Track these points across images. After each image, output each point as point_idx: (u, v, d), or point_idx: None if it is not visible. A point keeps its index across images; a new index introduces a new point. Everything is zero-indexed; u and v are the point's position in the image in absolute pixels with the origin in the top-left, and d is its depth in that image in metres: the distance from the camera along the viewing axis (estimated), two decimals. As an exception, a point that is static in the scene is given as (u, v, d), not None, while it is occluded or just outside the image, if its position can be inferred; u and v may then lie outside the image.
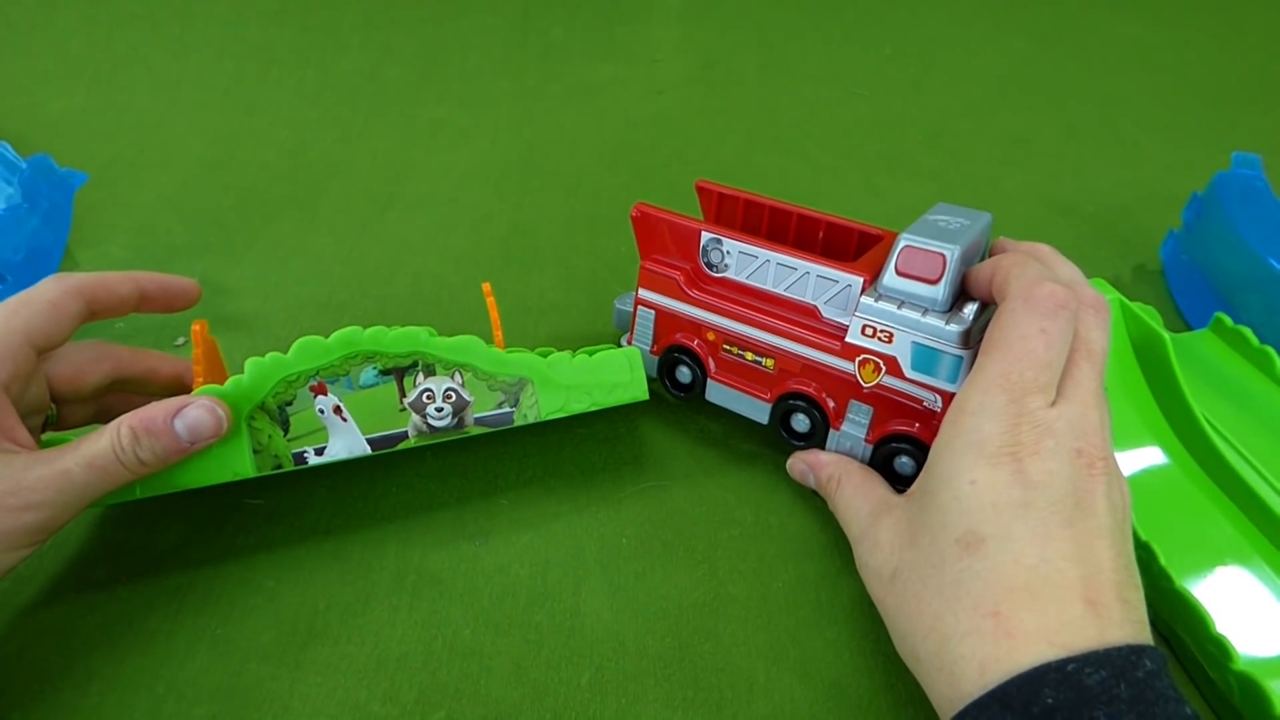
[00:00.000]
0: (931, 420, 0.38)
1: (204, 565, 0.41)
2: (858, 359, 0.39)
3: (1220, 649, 0.33)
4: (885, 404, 0.39)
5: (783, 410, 0.43)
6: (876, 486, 0.38)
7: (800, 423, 0.43)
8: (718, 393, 0.45)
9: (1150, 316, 0.46)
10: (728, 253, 0.42)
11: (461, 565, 0.40)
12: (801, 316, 0.41)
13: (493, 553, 0.41)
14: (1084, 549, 0.29)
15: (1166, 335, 0.44)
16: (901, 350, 0.38)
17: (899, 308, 0.37)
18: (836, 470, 0.40)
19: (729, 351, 0.43)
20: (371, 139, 0.73)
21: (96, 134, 0.74)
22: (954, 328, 0.36)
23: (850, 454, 0.42)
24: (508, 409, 0.40)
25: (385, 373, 0.39)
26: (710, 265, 0.43)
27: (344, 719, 0.35)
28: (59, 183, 0.57)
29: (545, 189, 0.67)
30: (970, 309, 0.37)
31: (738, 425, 0.47)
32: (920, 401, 0.38)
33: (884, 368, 0.38)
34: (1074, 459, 0.30)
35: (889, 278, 0.37)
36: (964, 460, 0.31)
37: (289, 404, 0.39)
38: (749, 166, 0.69)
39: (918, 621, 0.30)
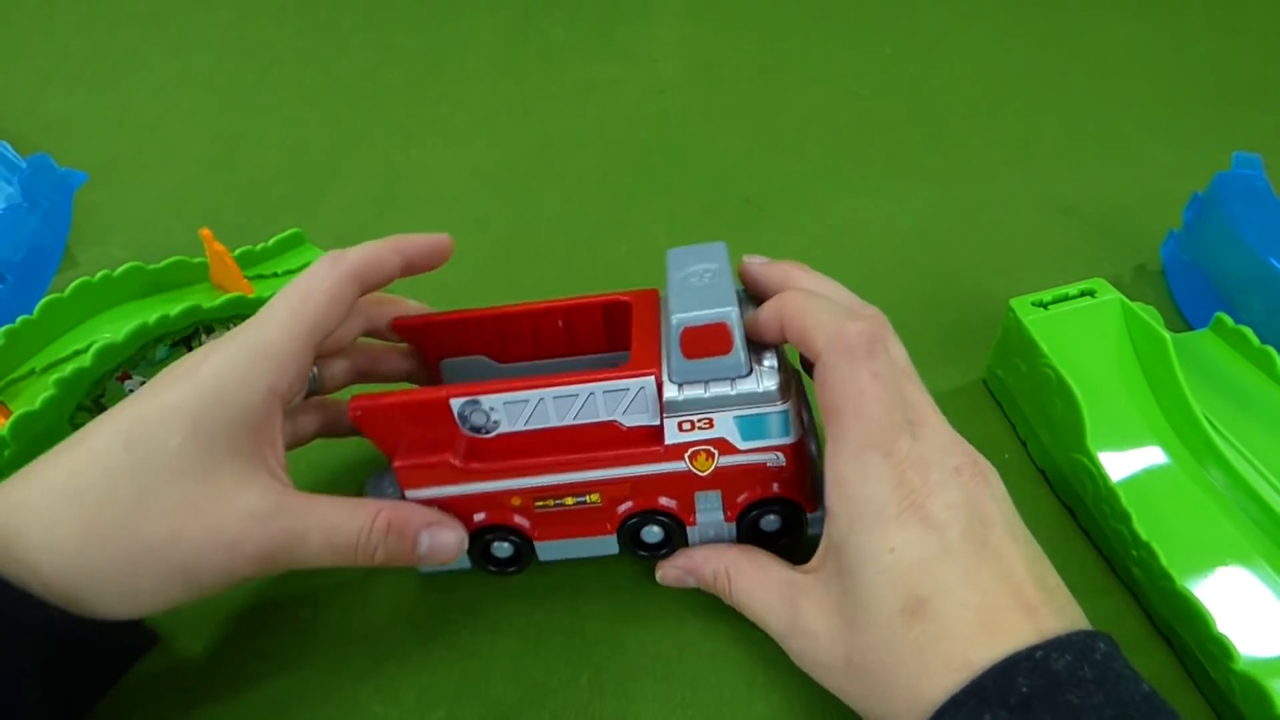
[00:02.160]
0: (780, 474, 0.36)
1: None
2: (686, 455, 0.36)
3: (1221, 649, 0.33)
4: (730, 481, 0.37)
5: (629, 533, 0.38)
6: (772, 568, 0.36)
7: (652, 534, 0.38)
8: (552, 550, 0.39)
9: (1151, 316, 0.46)
10: (491, 409, 0.35)
11: (461, 565, 0.40)
12: (606, 437, 0.36)
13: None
14: (1002, 562, 0.30)
15: (1167, 335, 0.44)
16: (727, 428, 0.35)
17: (706, 390, 0.34)
18: (719, 564, 0.37)
19: (545, 506, 0.37)
20: (371, 139, 0.73)
21: (96, 134, 0.74)
22: (769, 385, 0.34)
23: (718, 539, 0.38)
24: None
25: (174, 345, 0.43)
26: (477, 429, 0.36)
27: None
28: (59, 182, 0.57)
29: (545, 189, 0.67)
30: (770, 359, 0.35)
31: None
32: (764, 465, 0.36)
33: (716, 452, 0.36)
34: (958, 478, 0.31)
35: (680, 365, 0.34)
36: (874, 533, 0.30)
37: (101, 396, 0.42)
38: (749, 166, 0.69)
39: (897, 700, 0.30)
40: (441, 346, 0.41)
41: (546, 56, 0.85)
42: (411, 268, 0.39)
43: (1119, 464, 0.41)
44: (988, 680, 0.27)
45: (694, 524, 0.38)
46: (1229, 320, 0.45)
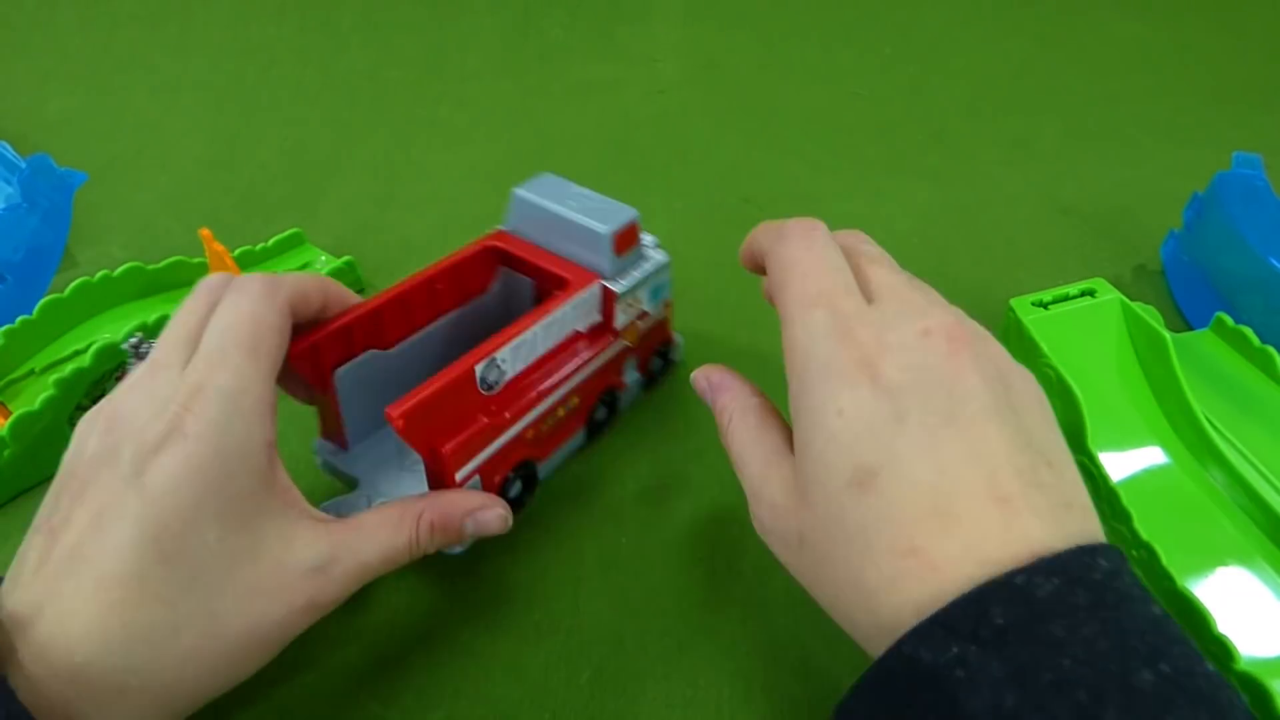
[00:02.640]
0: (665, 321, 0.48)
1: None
2: (624, 332, 0.44)
3: (1222, 649, 0.33)
4: (644, 341, 0.46)
5: (592, 420, 0.45)
6: (770, 432, 0.33)
7: (601, 413, 0.46)
8: (547, 468, 0.43)
9: (1151, 316, 0.46)
10: (502, 361, 0.38)
11: (460, 566, 0.40)
12: (575, 345, 0.42)
13: (492, 553, 0.41)
14: (974, 443, 0.27)
15: (1168, 335, 0.44)
16: (645, 299, 0.45)
17: (634, 274, 0.44)
18: (732, 403, 0.35)
19: (546, 426, 0.42)
20: (371, 139, 0.73)
21: (96, 134, 0.74)
22: (662, 255, 0.46)
23: (638, 395, 0.48)
24: None
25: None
26: (491, 386, 0.38)
27: None
28: (58, 182, 0.57)
29: (545, 189, 0.67)
30: (649, 239, 0.46)
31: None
32: (663, 319, 0.48)
33: (639, 322, 0.45)
34: (924, 340, 0.28)
35: (614, 263, 0.43)
36: (820, 391, 0.28)
37: (101, 396, 0.41)
38: (749, 166, 0.69)
39: (841, 586, 0.27)
40: (332, 357, 0.40)
41: (546, 56, 0.85)
42: (324, 313, 0.38)
43: (1119, 464, 0.41)
44: (957, 609, 0.24)
45: (623, 387, 0.46)
46: (1229, 320, 0.45)
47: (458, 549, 0.37)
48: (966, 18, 0.89)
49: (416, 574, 0.40)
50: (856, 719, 0.26)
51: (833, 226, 0.62)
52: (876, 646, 0.26)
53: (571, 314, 0.41)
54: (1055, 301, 0.46)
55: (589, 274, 0.42)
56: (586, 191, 0.45)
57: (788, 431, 0.32)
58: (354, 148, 0.72)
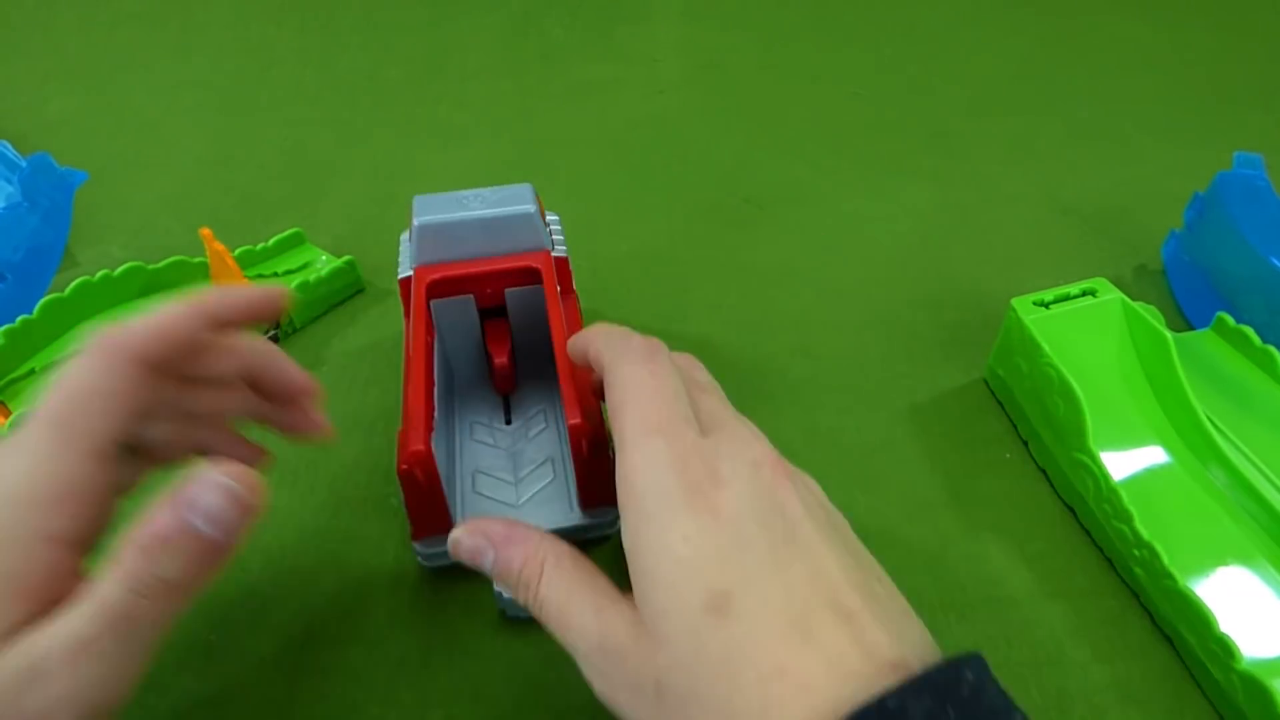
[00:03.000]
0: None
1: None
2: None
3: (1224, 648, 0.33)
4: None
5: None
6: (594, 576, 0.30)
7: None
8: None
9: (1153, 316, 0.46)
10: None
11: (460, 566, 0.40)
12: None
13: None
14: (813, 562, 0.27)
15: (1169, 335, 0.44)
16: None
17: (558, 234, 0.48)
18: (537, 553, 0.31)
19: None
20: (371, 139, 0.73)
21: (96, 133, 0.74)
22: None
23: None
24: None
25: None
26: None
27: None
28: (59, 182, 0.57)
29: (545, 189, 0.66)
30: None
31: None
32: None
33: None
34: (755, 471, 0.29)
35: (545, 234, 0.45)
36: (662, 520, 0.28)
37: None
38: (749, 166, 0.69)
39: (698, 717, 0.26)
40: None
41: (546, 56, 0.85)
42: (227, 325, 0.32)
43: (1120, 464, 0.41)
44: None
45: None
46: (1230, 320, 0.45)
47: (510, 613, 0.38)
48: (966, 18, 0.89)
49: (415, 574, 0.40)
50: None
51: (833, 226, 0.62)
52: None
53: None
54: (1056, 301, 0.46)
55: (540, 254, 0.44)
56: (475, 191, 0.44)
57: (605, 576, 0.31)
58: (354, 148, 0.72)
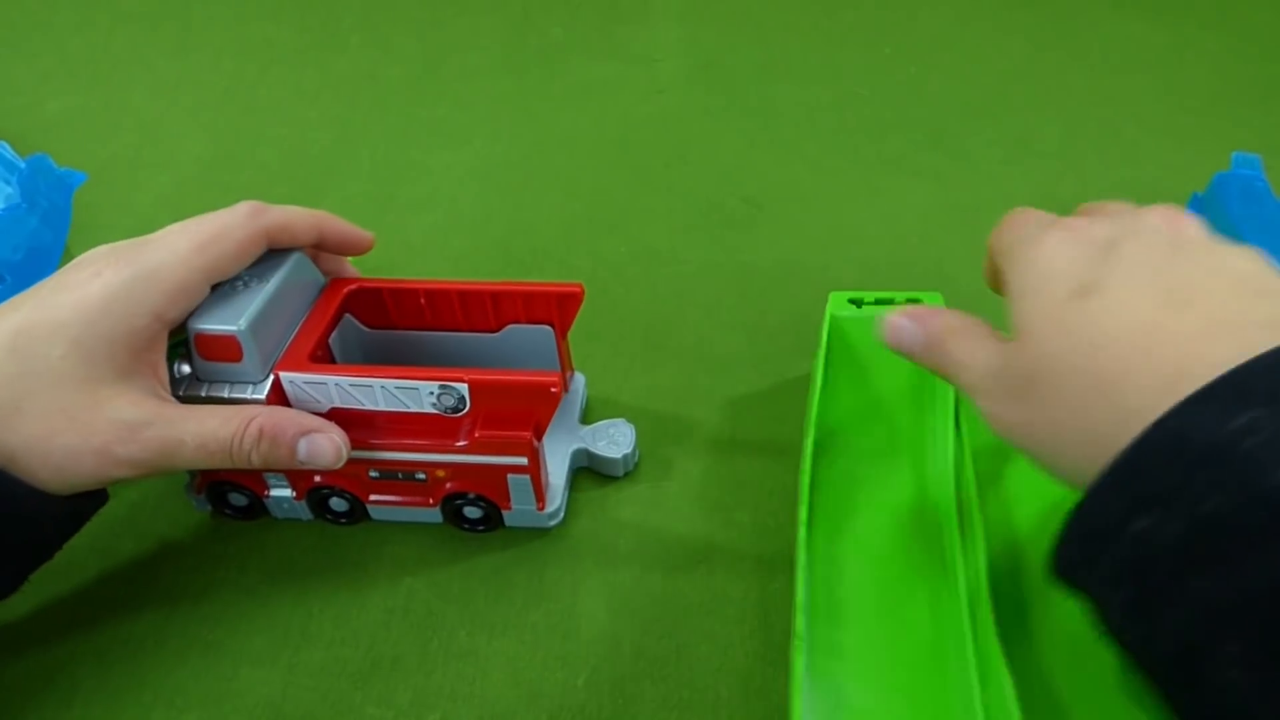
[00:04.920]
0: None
1: (196, 571, 0.41)
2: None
3: None
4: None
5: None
6: (982, 326, 0.33)
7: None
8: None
9: None
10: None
11: (458, 567, 0.40)
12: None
13: (490, 554, 0.41)
14: (1200, 260, 0.26)
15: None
16: None
17: None
18: (942, 319, 0.34)
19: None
20: (371, 139, 0.73)
21: (95, 133, 0.74)
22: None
23: None
24: None
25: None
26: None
27: (339, 721, 0.35)
28: (57, 182, 0.57)
29: (545, 189, 0.67)
30: None
31: (736, 422, 0.47)
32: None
33: None
34: (1137, 214, 0.31)
35: None
36: (1034, 245, 0.30)
37: None
38: (749, 166, 0.69)
39: (1078, 402, 0.25)
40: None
41: (546, 56, 0.85)
42: (323, 247, 0.42)
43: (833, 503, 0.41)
44: (1247, 370, 0.21)
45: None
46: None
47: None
48: (966, 18, 0.89)
49: (412, 575, 0.40)
50: (1103, 515, 0.23)
51: (833, 226, 0.62)
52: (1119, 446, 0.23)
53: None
54: (878, 303, 0.44)
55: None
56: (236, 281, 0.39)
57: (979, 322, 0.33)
58: (354, 147, 0.72)
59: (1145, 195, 0.63)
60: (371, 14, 0.93)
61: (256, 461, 0.35)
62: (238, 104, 0.78)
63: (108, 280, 0.34)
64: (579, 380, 0.47)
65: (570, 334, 0.43)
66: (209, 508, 0.42)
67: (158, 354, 0.35)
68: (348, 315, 0.42)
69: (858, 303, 0.44)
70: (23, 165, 0.56)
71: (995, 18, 0.89)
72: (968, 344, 0.32)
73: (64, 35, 0.90)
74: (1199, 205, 0.54)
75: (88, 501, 0.36)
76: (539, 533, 0.42)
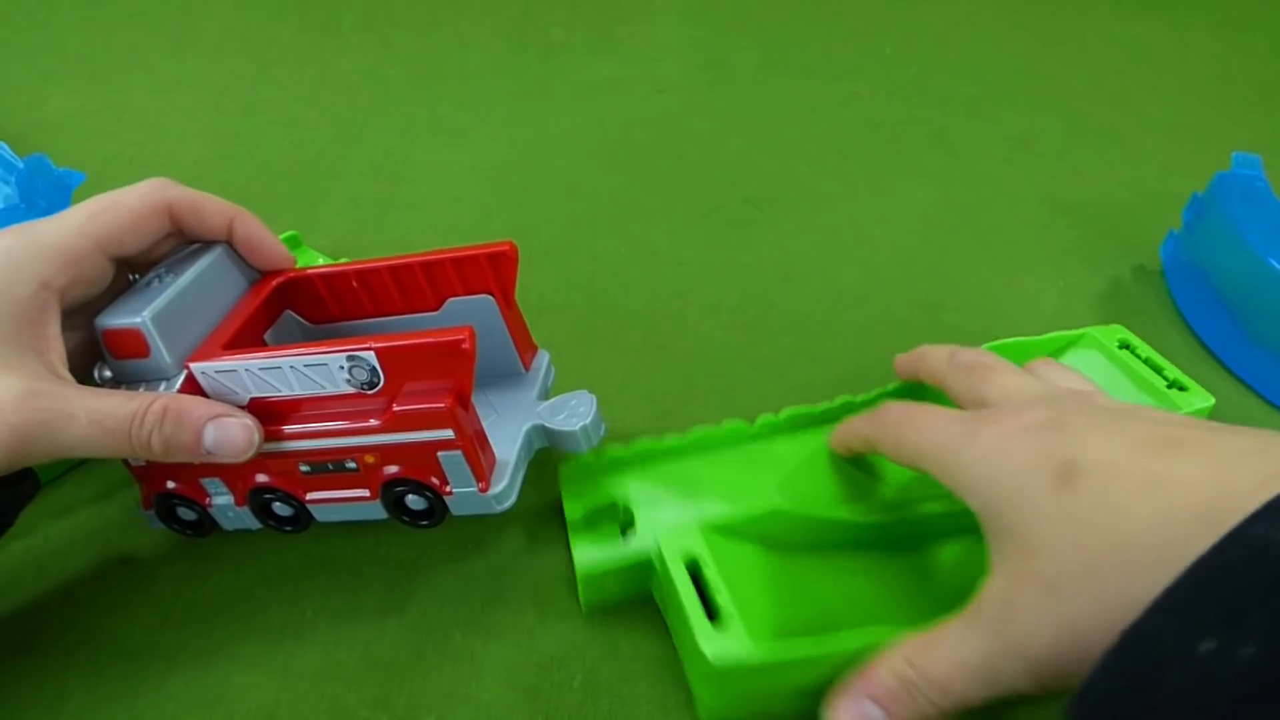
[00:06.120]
0: None
1: (190, 577, 0.40)
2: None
3: None
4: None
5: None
6: (930, 639, 0.29)
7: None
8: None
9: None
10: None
11: (454, 569, 0.40)
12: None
13: (485, 556, 0.41)
14: (1141, 415, 0.27)
15: None
16: None
17: None
18: (907, 655, 0.28)
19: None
20: (370, 139, 0.73)
21: (94, 133, 0.74)
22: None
23: None
24: None
25: None
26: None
27: (335, 722, 0.35)
28: (56, 183, 0.57)
29: (545, 189, 0.67)
30: None
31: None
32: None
33: None
34: (1052, 395, 0.31)
35: None
36: (981, 455, 0.29)
37: None
38: (749, 166, 0.69)
39: (1108, 575, 0.23)
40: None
41: (546, 56, 0.85)
42: (234, 244, 0.39)
43: None
44: None
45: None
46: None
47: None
48: (967, 16, 0.89)
49: (408, 577, 0.40)
50: (1158, 639, 0.21)
51: (833, 226, 0.62)
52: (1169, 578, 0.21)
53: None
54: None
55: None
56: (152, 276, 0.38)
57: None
58: (353, 148, 0.72)
59: (1145, 195, 0.64)
60: (371, 13, 0.93)
61: (157, 446, 0.32)
62: (237, 104, 0.78)
63: None
64: (542, 358, 0.44)
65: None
66: (161, 525, 0.40)
67: (50, 327, 0.33)
68: (289, 312, 0.41)
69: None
70: (21, 165, 0.56)
71: (996, 18, 0.89)
72: (942, 654, 0.28)
73: (64, 35, 0.90)
74: (1199, 205, 0.54)
75: (7, 490, 0.34)
76: (535, 535, 0.42)
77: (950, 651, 0.27)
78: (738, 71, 0.82)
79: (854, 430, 0.38)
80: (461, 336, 0.32)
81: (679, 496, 0.39)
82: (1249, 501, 0.20)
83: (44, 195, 0.56)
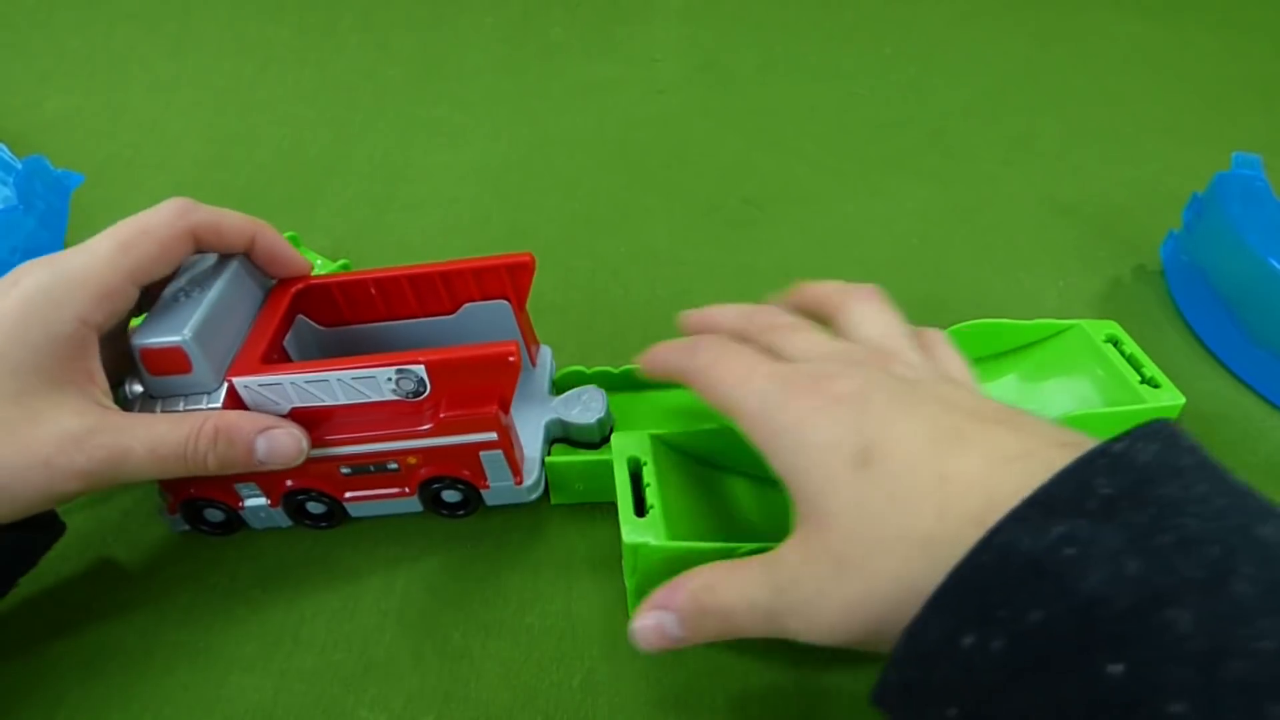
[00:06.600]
0: None
1: (186, 578, 0.40)
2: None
3: None
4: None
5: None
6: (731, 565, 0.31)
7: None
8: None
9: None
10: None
11: (452, 569, 0.40)
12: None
13: (484, 556, 0.41)
14: (940, 398, 0.28)
15: None
16: None
17: None
18: (694, 580, 0.31)
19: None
20: (369, 139, 0.73)
21: (93, 133, 0.74)
22: None
23: None
24: None
25: None
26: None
27: (332, 724, 0.35)
28: (54, 184, 0.57)
29: (544, 189, 0.67)
30: None
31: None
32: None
33: None
34: (860, 362, 0.31)
35: None
36: (791, 423, 0.29)
37: None
38: (749, 166, 0.69)
39: (893, 564, 0.25)
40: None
41: (546, 56, 0.85)
42: (253, 257, 0.40)
43: None
44: (1056, 487, 0.22)
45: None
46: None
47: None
48: (966, 17, 0.89)
49: (406, 577, 0.40)
50: (931, 636, 0.23)
51: (832, 226, 0.62)
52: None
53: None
54: None
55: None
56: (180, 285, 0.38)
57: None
58: (352, 148, 0.72)
59: (1145, 195, 0.64)
60: (370, 14, 0.93)
61: (213, 465, 0.34)
62: (236, 104, 0.78)
63: (25, 287, 0.32)
64: (545, 353, 0.46)
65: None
66: (186, 527, 0.41)
67: (91, 361, 0.34)
68: (301, 316, 0.42)
69: None
70: (19, 166, 0.56)
71: (995, 18, 0.89)
72: (734, 587, 0.30)
73: (62, 35, 0.90)
74: (1199, 205, 0.54)
75: (39, 533, 0.35)
76: (534, 534, 0.42)
77: (744, 588, 0.29)
78: (737, 71, 0.82)
79: (666, 359, 0.37)
80: (510, 349, 0.35)
81: (648, 418, 0.45)
82: (1008, 506, 0.23)
83: (42, 196, 0.56)
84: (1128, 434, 0.23)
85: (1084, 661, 0.20)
